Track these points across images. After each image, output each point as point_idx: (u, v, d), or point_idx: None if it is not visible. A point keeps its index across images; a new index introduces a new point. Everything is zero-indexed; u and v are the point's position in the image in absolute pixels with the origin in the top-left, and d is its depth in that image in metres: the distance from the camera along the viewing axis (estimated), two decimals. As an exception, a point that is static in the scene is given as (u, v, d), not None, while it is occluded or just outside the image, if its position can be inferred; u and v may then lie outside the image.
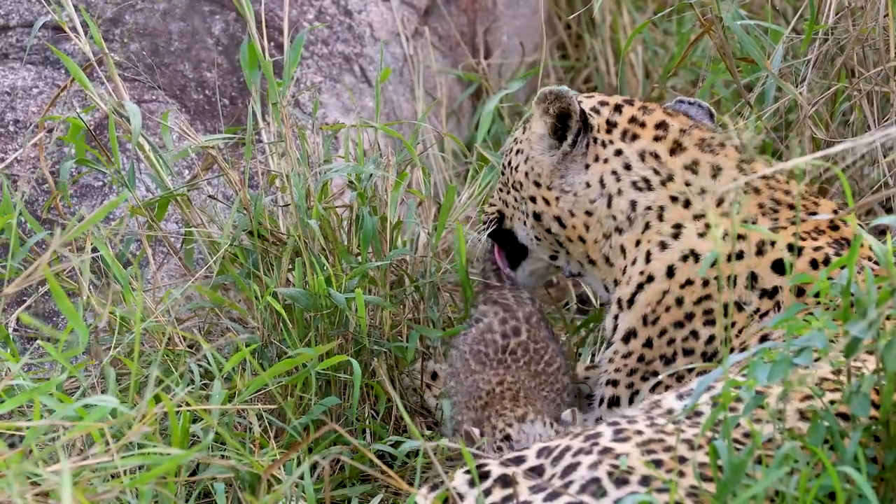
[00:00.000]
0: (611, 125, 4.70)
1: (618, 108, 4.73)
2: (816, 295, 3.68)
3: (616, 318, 4.62)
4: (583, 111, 4.69)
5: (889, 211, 4.98)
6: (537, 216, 4.77)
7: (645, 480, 3.58)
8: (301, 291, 4.70)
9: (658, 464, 3.62)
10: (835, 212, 4.53)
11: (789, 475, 3.49)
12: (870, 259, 4.33)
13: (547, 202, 4.74)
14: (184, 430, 4.05)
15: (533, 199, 4.76)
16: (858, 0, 5.09)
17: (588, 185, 4.68)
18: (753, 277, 4.42)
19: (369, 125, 5.11)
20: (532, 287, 5.02)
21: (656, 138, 4.65)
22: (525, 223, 4.82)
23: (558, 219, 4.73)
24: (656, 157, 4.62)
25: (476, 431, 4.41)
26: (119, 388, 4.42)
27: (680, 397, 3.95)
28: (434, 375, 5.06)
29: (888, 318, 3.58)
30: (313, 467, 4.48)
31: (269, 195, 4.94)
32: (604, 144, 4.68)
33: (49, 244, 4.39)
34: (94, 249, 4.74)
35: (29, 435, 3.63)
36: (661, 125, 4.67)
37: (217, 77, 5.64)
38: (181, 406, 4.12)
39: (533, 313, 4.77)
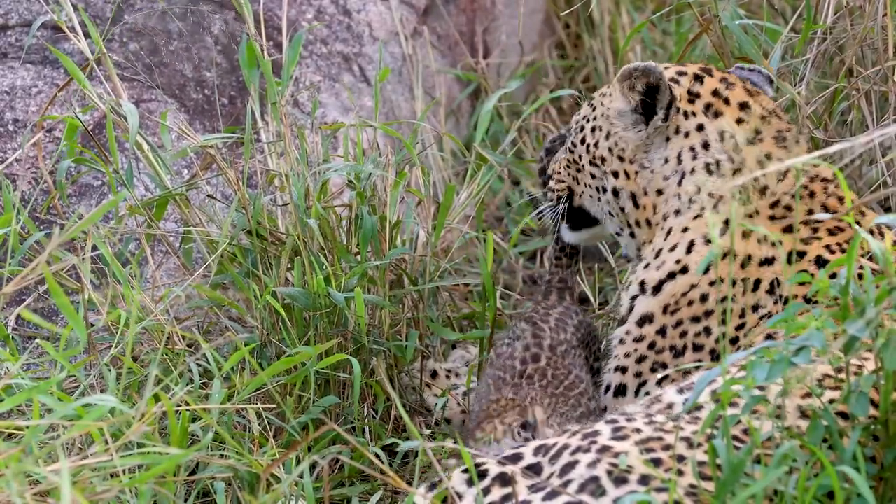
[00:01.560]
0: (693, 95, 4.60)
1: (698, 79, 4.62)
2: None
3: (634, 299, 4.57)
4: (671, 90, 4.56)
5: (888, 210, 4.98)
6: (616, 192, 4.67)
7: (644, 479, 3.58)
8: (300, 291, 4.70)
9: (657, 462, 3.62)
10: (861, 213, 4.48)
11: (788, 474, 3.49)
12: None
13: (627, 176, 4.62)
14: (183, 430, 4.05)
15: (615, 174, 4.65)
16: (857, 0, 5.09)
17: (666, 161, 4.58)
18: (776, 284, 4.39)
19: (368, 124, 5.11)
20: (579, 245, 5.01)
21: (738, 120, 4.54)
22: (600, 199, 4.73)
23: (633, 196, 4.63)
24: (735, 141, 4.52)
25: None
26: (118, 388, 4.42)
27: (680, 391, 3.95)
28: (434, 374, 5.06)
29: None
30: (312, 467, 4.48)
31: (268, 195, 4.94)
32: (686, 115, 4.57)
33: (47, 244, 4.40)
34: (94, 248, 4.75)
35: (28, 434, 3.62)
36: (744, 106, 4.56)
37: (216, 76, 5.64)
38: (180, 405, 4.13)
39: (562, 342, 4.71)
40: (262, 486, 4.06)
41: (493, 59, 6.67)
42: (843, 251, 4.37)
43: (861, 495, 3.44)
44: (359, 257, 4.85)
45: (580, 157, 4.77)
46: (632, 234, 4.70)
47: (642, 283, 4.56)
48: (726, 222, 4.42)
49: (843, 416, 3.66)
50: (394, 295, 4.93)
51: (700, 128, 4.54)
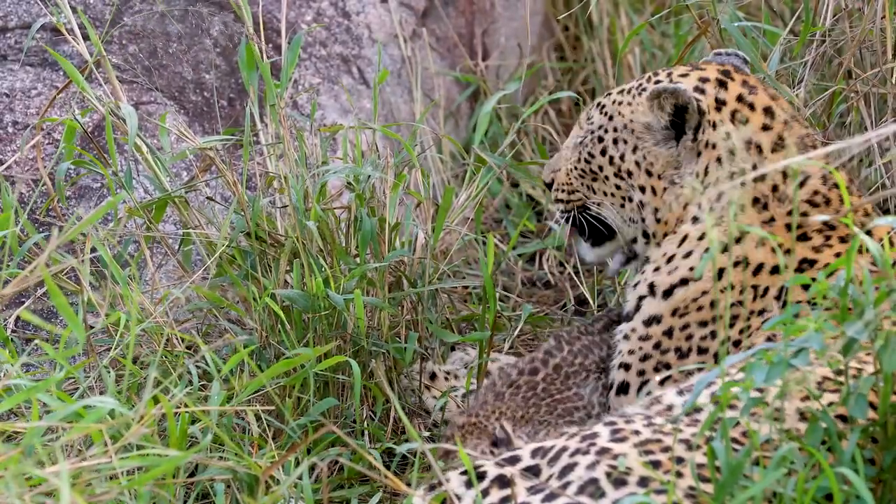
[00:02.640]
0: (720, 103, 4.57)
1: (722, 84, 4.58)
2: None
3: (641, 299, 4.56)
4: (699, 105, 4.52)
5: (886, 212, 4.98)
6: (641, 205, 4.64)
7: (643, 481, 3.58)
8: (299, 293, 4.70)
9: (656, 464, 3.62)
10: (866, 213, 4.47)
11: (787, 476, 3.49)
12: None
13: (654, 192, 4.59)
14: (182, 432, 4.05)
15: (643, 189, 4.61)
16: (856, 2, 5.09)
17: (696, 176, 4.55)
18: (784, 291, 4.38)
19: (368, 126, 5.11)
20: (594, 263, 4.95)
21: (764, 127, 4.52)
22: (623, 206, 4.68)
23: (656, 211, 4.60)
24: (760, 150, 4.51)
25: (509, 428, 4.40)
26: (118, 389, 4.42)
27: (680, 393, 3.95)
28: (433, 376, 5.06)
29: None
30: (312, 468, 4.48)
31: (267, 197, 4.93)
32: (714, 126, 4.54)
33: (46, 246, 4.40)
34: (94, 250, 4.75)
35: (28, 436, 3.62)
36: (768, 111, 4.54)
37: (215, 78, 5.64)
38: (180, 407, 4.13)
39: (574, 365, 4.68)
40: (261, 487, 4.06)
41: (492, 61, 6.68)
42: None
43: (860, 497, 3.45)
44: (358, 259, 4.85)
45: (600, 167, 4.71)
46: (646, 243, 4.68)
47: (651, 286, 4.55)
48: (744, 231, 4.42)
49: (842, 418, 3.66)
50: (393, 297, 4.93)
51: (727, 136, 4.52)
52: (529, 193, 6.33)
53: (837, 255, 4.39)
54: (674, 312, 4.49)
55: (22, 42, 5.54)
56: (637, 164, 4.63)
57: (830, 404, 3.67)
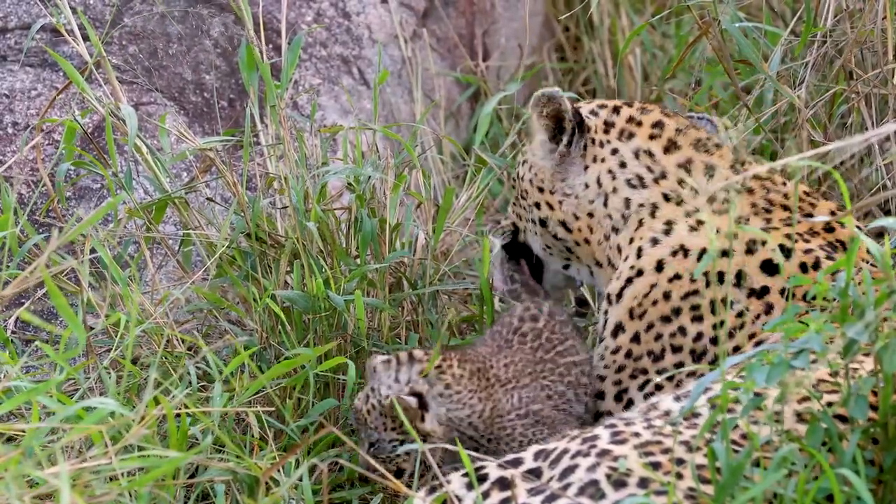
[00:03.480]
0: (608, 125, 4.72)
1: (615, 110, 4.75)
2: (812, 298, 3.67)
3: (606, 312, 4.63)
4: (577, 111, 4.71)
5: (887, 213, 4.98)
6: (543, 222, 4.78)
7: (643, 482, 3.58)
8: (299, 294, 4.69)
9: (656, 466, 3.62)
10: (832, 213, 4.52)
11: (787, 477, 3.49)
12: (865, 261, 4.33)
13: (550, 206, 4.75)
14: (182, 433, 4.05)
15: (538, 205, 4.78)
16: (857, 2, 5.08)
17: (587, 186, 4.69)
18: (740, 276, 4.41)
19: (368, 127, 5.11)
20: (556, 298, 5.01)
21: (651, 136, 4.66)
22: (536, 233, 4.83)
23: (563, 223, 4.75)
24: (650, 154, 4.64)
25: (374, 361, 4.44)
26: (118, 391, 4.42)
27: (677, 399, 3.95)
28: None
29: (885, 319, 3.58)
30: (312, 469, 4.48)
31: (268, 197, 4.93)
32: (601, 144, 4.70)
33: (46, 247, 4.40)
34: (94, 251, 4.75)
35: (28, 437, 3.62)
36: (658, 124, 4.68)
37: (215, 79, 5.64)
38: (180, 408, 4.12)
39: (560, 313, 4.72)
40: (261, 488, 4.06)
41: (492, 61, 6.67)
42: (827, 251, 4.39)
43: (860, 498, 3.44)
44: (358, 260, 4.84)
45: (518, 191, 4.89)
46: (578, 258, 4.79)
47: (608, 296, 4.63)
48: (669, 223, 4.53)
49: (842, 419, 3.66)
50: (393, 298, 4.93)
51: (615, 151, 4.68)
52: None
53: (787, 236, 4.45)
54: (632, 314, 4.53)
55: (22, 42, 5.54)
56: (531, 181, 4.80)
57: (829, 405, 3.67)
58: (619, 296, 4.57)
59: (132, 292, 4.58)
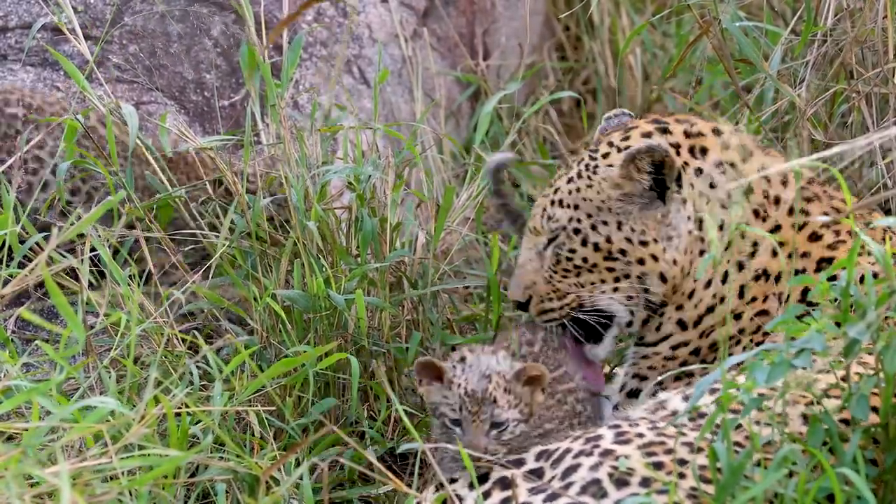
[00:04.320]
0: (676, 147, 4.45)
1: (663, 129, 4.48)
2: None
3: (669, 336, 4.47)
4: (666, 152, 4.39)
5: (888, 213, 4.98)
6: (641, 277, 4.46)
7: (645, 482, 3.58)
8: (300, 293, 4.69)
9: (658, 466, 3.62)
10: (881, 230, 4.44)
11: (788, 477, 3.49)
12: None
13: (655, 258, 4.44)
14: (183, 432, 4.05)
15: (641, 261, 4.45)
16: (857, 1, 5.08)
17: (689, 219, 4.43)
18: (807, 292, 4.34)
19: (369, 126, 5.11)
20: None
21: (724, 146, 4.43)
22: (616, 290, 4.49)
23: (661, 275, 4.45)
24: (732, 165, 4.41)
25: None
26: (118, 390, 4.42)
27: (685, 399, 3.95)
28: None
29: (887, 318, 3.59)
30: (312, 468, 4.48)
31: (268, 197, 4.93)
32: (684, 168, 4.44)
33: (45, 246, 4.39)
34: (94, 249, 4.74)
35: (28, 436, 3.62)
36: (716, 131, 4.47)
37: (216, 78, 5.64)
38: (180, 408, 4.12)
39: (552, 339, 4.64)
40: (261, 488, 4.06)
41: (492, 60, 6.67)
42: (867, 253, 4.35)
43: (861, 498, 3.44)
44: (359, 259, 4.84)
45: (585, 259, 4.50)
46: (649, 310, 4.51)
47: (680, 322, 4.45)
48: (755, 244, 4.39)
49: (843, 420, 3.66)
50: (394, 298, 4.93)
51: (699, 171, 4.43)
52: (531, 194, 6.33)
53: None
54: (702, 335, 4.44)
55: (22, 42, 5.54)
56: (628, 239, 4.46)
57: (840, 409, 3.67)
58: (697, 323, 4.42)
59: (132, 291, 4.58)
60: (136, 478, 3.76)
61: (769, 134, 5.21)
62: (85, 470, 3.70)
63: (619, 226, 4.46)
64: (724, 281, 4.40)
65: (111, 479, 3.88)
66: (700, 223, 4.39)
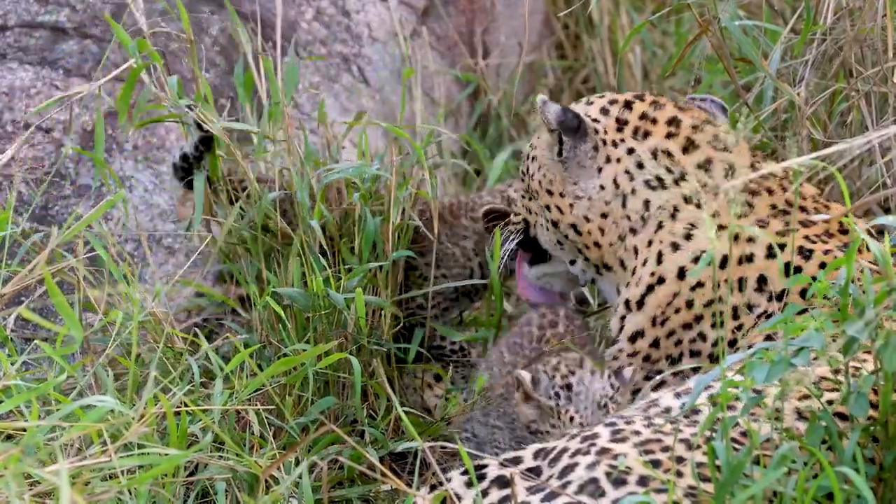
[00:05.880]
0: (621, 123, 4.63)
1: (628, 105, 4.66)
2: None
3: (623, 318, 4.57)
4: (576, 115, 4.62)
5: (887, 211, 4.98)
6: (555, 224, 4.70)
7: (643, 480, 3.58)
8: (299, 292, 4.69)
9: (656, 464, 3.62)
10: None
11: (787, 475, 3.49)
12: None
13: (560, 210, 4.67)
14: (182, 431, 4.05)
15: (548, 208, 4.70)
16: (856, 0, 5.08)
17: (602, 188, 4.60)
18: (763, 280, 4.39)
19: (373, 123, 5.11)
20: (553, 295, 4.95)
21: (668, 135, 4.58)
22: (547, 229, 4.74)
23: (574, 226, 4.65)
24: (669, 154, 4.55)
25: (526, 376, 4.26)
26: (117, 388, 4.42)
27: (677, 396, 3.95)
28: (437, 377, 5.05)
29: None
30: (312, 467, 4.48)
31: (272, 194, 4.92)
32: (615, 144, 4.61)
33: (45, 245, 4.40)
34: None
35: (28, 435, 3.62)
36: (673, 121, 4.60)
37: (215, 77, 5.64)
38: (180, 406, 4.13)
39: (576, 316, 4.65)
40: (261, 486, 4.06)
41: (492, 59, 6.68)
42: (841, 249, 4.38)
43: (861, 496, 3.44)
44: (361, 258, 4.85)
45: (528, 187, 4.79)
46: (586, 259, 4.70)
47: (626, 302, 4.57)
48: (690, 226, 4.47)
49: (842, 417, 3.66)
50: (396, 298, 4.93)
51: (630, 151, 4.58)
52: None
53: (806, 237, 4.43)
54: (654, 322, 4.50)
55: (21, 41, 5.53)
56: (539, 182, 4.71)
57: (830, 402, 3.67)
58: (641, 303, 4.52)
59: (131, 289, 4.58)
60: (136, 477, 3.77)
61: (768, 133, 5.21)
62: (84, 469, 3.70)
63: (539, 167, 4.71)
64: (659, 261, 4.49)
65: (111, 477, 3.88)
66: (624, 200, 4.57)
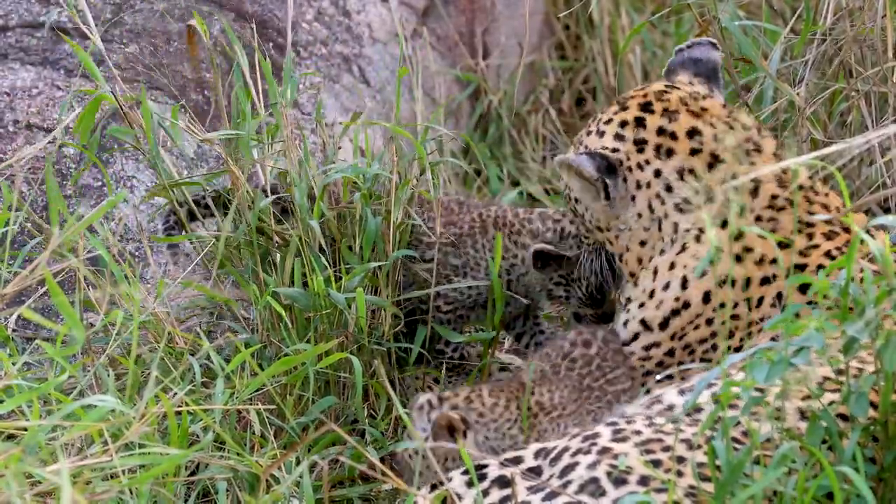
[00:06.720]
0: (640, 144, 4.51)
1: (640, 123, 4.52)
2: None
3: (637, 335, 4.54)
4: (604, 157, 4.50)
5: (887, 211, 4.99)
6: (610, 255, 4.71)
7: (643, 480, 3.59)
8: (300, 291, 4.69)
9: (657, 464, 3.62)
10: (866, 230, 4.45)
11: (787, 475, 3.49)
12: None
13: (611, 244, 4.63)
14: (183, 430, 4.05)
15: (608, 242, 4.65)
16: (856, 0, 5.09)
17: (639, 216, 4.52)
18: (780, 297, 4.37)
19: (373, 123, 5.11)
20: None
21: (692, 151, 4.47)
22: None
23: (619, 256, 4.61)
24: (694, 174, 4.45)
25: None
26: (118, 387, 4.42)
27: (681, 392, 3.95)
28: (436, 380, 5.06)
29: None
30: (313, 467, 4.49)
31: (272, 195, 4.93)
32: (640, 167, 4.50)
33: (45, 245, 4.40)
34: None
35: (28, 435, 3.63)
36: (693, 133, 4.48)
37: (215, 77, 5.64)
38: (180, 406, 4.13)
39: (614, 340, 4.64)
40: (262, 486, 4.06)
41: (492, 59, 6.68)
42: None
43: (860, 496, 3.45)
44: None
45: (583, 227, 4.75)
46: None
47: (644, 322, 4.52)
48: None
49: (843, 417, 3.66)
50: (397, 298, 4.93)
51: (658, 173, 4.48)
52: (531, 192, 6.34)
53: (827, 253, 4.38)
54: (673, 337, 4.48)
55: (23, 41, 5.54)
56: (590, 221, 4.65)
57: (831, 403, 3.67)
58: (664, 325, 4.48)
59: (132, 289, 4.58)
60: (137, 476, 3.77)
61: (769, 133, 5.22)
62: (85, 468, 3.71)
63: (586, 209, 4.64)
64: (684, 286, 4.45)
65: (111, 477, 3.88)
66: (660, 223, 4.48)
